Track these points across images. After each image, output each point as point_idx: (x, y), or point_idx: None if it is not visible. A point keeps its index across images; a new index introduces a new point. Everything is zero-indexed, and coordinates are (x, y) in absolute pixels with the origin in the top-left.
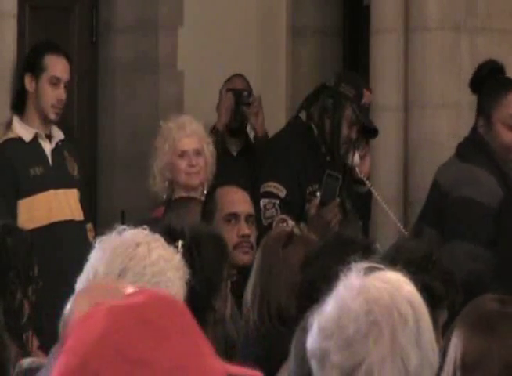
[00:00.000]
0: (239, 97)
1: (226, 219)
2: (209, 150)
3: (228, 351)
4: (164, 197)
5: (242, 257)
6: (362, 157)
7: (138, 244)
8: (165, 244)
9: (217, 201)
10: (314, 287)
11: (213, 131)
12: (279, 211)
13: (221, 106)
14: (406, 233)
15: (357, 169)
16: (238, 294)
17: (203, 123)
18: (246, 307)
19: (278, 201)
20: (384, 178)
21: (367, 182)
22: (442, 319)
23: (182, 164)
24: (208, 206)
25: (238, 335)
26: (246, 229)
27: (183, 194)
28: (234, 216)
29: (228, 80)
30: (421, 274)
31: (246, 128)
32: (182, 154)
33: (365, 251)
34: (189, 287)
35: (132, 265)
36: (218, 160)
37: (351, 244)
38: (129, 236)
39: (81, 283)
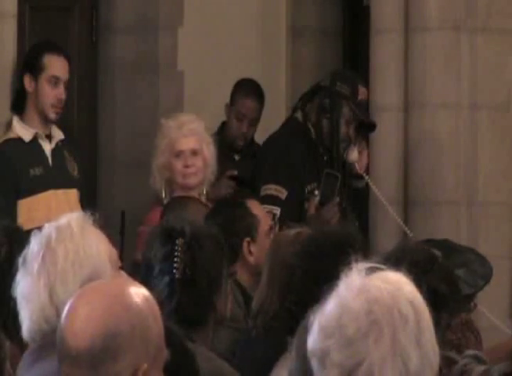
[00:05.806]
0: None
1: (267, 233)
2: (209, 149)
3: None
4: (163, 195)
5: None
6: (359, 153)
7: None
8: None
9: (255, 215)
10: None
11: (219, 132)
12: (277, 225)
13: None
14: (405, 227)
15: (356, 165)
16: None
17: (203, 124)
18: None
19: (278, 211)
20: (384, 177)
21: (366, 177)
22: (444, 321)
23: (179, 164)
24: (247, 221)
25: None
26: None
27: (181, 193)
28: (271, 228)
29: (238, 99)
30: (426, 275)
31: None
32: (179, 154)
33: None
34: (192, 283)
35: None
36: (221, 159)
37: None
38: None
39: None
